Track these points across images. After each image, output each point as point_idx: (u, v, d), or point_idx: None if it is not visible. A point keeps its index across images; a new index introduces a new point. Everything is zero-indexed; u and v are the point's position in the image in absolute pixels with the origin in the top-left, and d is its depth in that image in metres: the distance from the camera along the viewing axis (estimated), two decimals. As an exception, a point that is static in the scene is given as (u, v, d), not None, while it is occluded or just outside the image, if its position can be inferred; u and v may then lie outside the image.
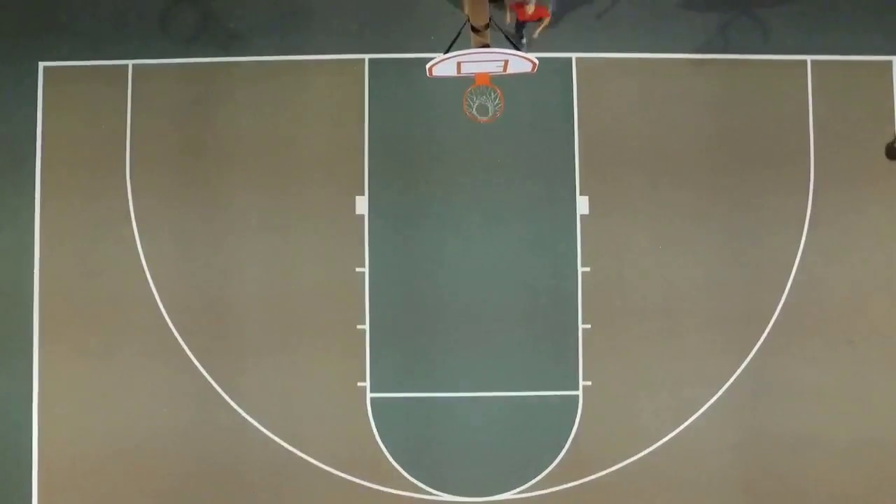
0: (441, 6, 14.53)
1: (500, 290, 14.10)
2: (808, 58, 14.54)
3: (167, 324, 14.02)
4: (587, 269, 14.15)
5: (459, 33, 11.26)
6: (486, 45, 11.13)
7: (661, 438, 13.92)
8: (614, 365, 14.00)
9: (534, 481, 13.86)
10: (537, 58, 11.02)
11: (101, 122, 14.34)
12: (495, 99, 12.40)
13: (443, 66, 10.82)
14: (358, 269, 14.14)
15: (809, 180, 14.35)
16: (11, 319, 14.02)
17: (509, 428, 13.91)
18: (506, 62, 10.90)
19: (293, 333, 14.01)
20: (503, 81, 12.73)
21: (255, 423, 13.90)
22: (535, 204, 14.24)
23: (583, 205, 14.26)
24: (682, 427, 13.94)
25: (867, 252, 14.24)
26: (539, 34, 13.78)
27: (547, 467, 13.87)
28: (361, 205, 14.26)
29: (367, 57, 14.50)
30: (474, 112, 12.59)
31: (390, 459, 13.87)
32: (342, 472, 13.84)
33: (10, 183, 14.26)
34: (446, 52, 10.64)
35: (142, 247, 14.17)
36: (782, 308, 14.13)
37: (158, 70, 14.45)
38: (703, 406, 13.98)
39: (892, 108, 14.45)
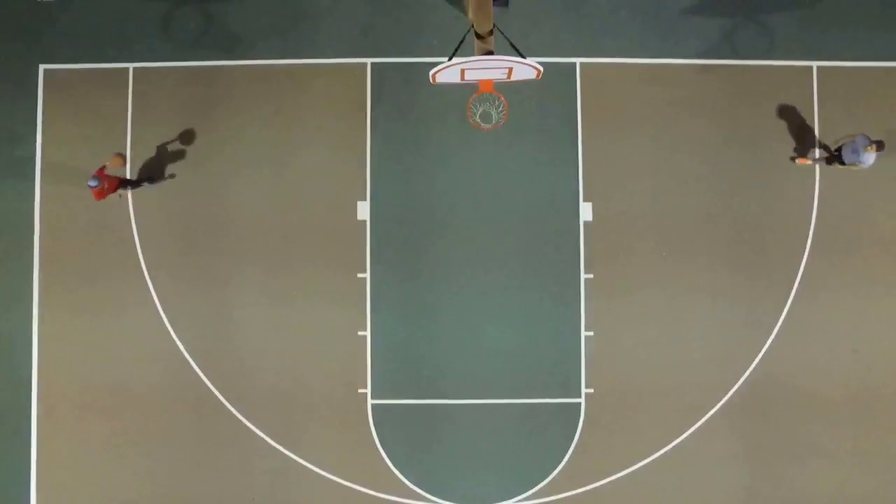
0: (444, 10, 14.43)
1: (502, 296, 14.01)
2: (814, 64, 14.44)
3: (167, 329, 13.95)
4: (590, 275, 14.06)
5: (463, 40, 11.17)
6: (491, 52, 11.02)
7: (664, 446, 13.85)
8: (617, 372, 13.93)
9: (536, 489, 13.79)
10: (542, 63, 10.93)
11: (101, 125, 14.26)
12: (499, 106, 12.31)
13: (446, 73, 10.73)
14: (360, 275, 14.06)
15: (815, 186, 14.27)
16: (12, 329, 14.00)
17: (511, 435, 13.84)
18: (510, 69, 10.81)
19: (294, 339, 13.94)
20: (507, 85, 12.66)
21: (255, 429, 13.83)
22: (538, 210, 14.15)
23: (586, 211, 14.17)
24: (685, 435, 13.87)
25: (872, 260, 14.15)
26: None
27: (549, 475, 13.80)
28: (363, 210, 14.18)
29: (369, 61, 14.40)
30: (478, 120, 12.51)
31: (391, 466, 13.81)
32: (342, 478, 13.78)
33: (10, 186, 14.18)
34: (450, 58, 10.54)
35: (142, 252, 14.09)
36: (786, 315, 14.05)
37: (160, 73, 14.36)
38: (706, 414, 13.91)
39: (899, 115, 14.42)
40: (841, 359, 13.98)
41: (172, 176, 14.06)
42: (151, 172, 14.11)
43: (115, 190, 13.32)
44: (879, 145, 12.90)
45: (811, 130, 14.33)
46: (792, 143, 14.27)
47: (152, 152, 14.23)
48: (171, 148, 14.25)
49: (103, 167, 12.92)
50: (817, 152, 14.19)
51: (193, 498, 13.73)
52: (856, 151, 13.17)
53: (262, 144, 14.25)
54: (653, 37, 14.44)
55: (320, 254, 14.06)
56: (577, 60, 14.41)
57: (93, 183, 12.65)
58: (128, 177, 14.06)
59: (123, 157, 13.51)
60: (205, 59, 14.40)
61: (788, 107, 14.36)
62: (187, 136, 14.27)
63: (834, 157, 13.77)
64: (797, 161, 14.20)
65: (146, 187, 13.97)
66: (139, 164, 14.23)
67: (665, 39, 14.45)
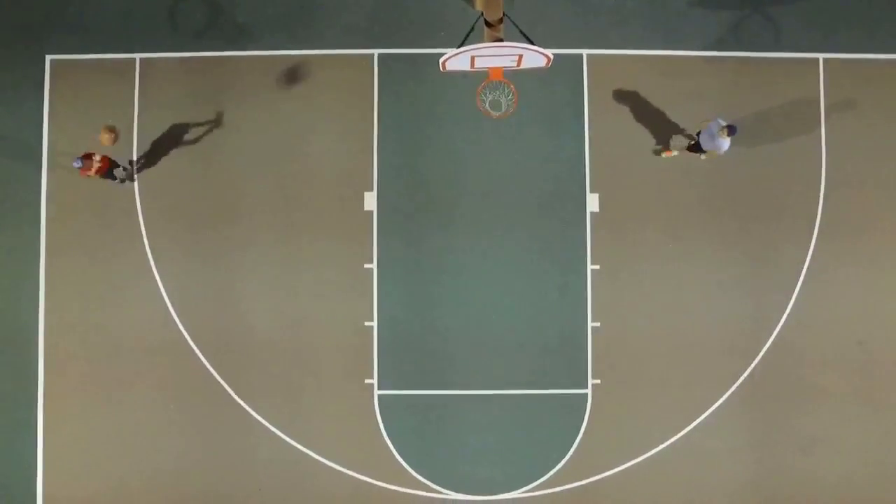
0: (450, 0, 14.43)
1: (509, 287, 14.01)
2: (821, 56, 14.46)
3: (174, 318, 13.93)
4: (597, 266, 14.06)
5: (473, 27, 11.19)
6: (500, 40, 11.03)
7: (669, 438, 13.85)
8: (623, 364, 13.92)
9: (541, 480, 13.78)
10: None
11: (107, 115, 14.24)
12: (509, 94, 12.36)
13: (456, 60, 10.73)
14: (366, 266, 14.05)
15: (821, 180, 14.28)
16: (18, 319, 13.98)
17: (517, 426, 13.83)
18: (520, 56, 10.82)
19: (300, 329, 13.92)
20: (513, 76, 12.68)
21: (263, 420, 13.81)
22: (545, 201, 14.15)
23: (593, 202, 14.17)
24: (690, 427, 13.87)
25: (878, 253, 14.17)
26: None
27: (555, 466, 13.79)
28: (370, 201, 14.17)
29: (376, 52, 14.40)
30: (488, 107, 12.54)
31: (397, 457, 13.79)
32: (349, 469, 13.76)
33: (17, 177, 14.16)
34: (460, 46, 10.55)
35: (148, 241, 14.07)
36: (792, 308, 14.06)
37: (166, 64, 14.35)
38: (711, 406, 13.91)
39: (905, 107, 14.44)
40: (847, 350, 13.99)
41: (141, 160, 14.08)
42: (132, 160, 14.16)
43: (105, 171, 13.27)
44: (731, 130, 12.55)
45: (818, 123, 14.35)
46: (798, 136, 14.28)
47: (158, 143, 14.21)
48: (177, 139, 14.23)
49: (90, 155, 12.98)
50: (678, 141, 14.10)
51: (199, 487, 13.71)
52: (712, 137, 12.95)
53: (269, 135, 14.24)
54: (659, 28, 14.46)
55: (327, 244, 14.05)
56: (584, 52, 14.42)
57: (76, 164, 12.70)
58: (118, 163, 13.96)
59: (114, 132, 13.03)
60: (211, 49, 14.39)
61: (795, 99, 14.38)
62: (194, 127, 14.26)
63: (694, 145, 13.66)
64: (663, 154, 14.10)
65: (125, 171, 14.02)
66: (143, 154, 14.23)
67: (671, 31, 14.46)
